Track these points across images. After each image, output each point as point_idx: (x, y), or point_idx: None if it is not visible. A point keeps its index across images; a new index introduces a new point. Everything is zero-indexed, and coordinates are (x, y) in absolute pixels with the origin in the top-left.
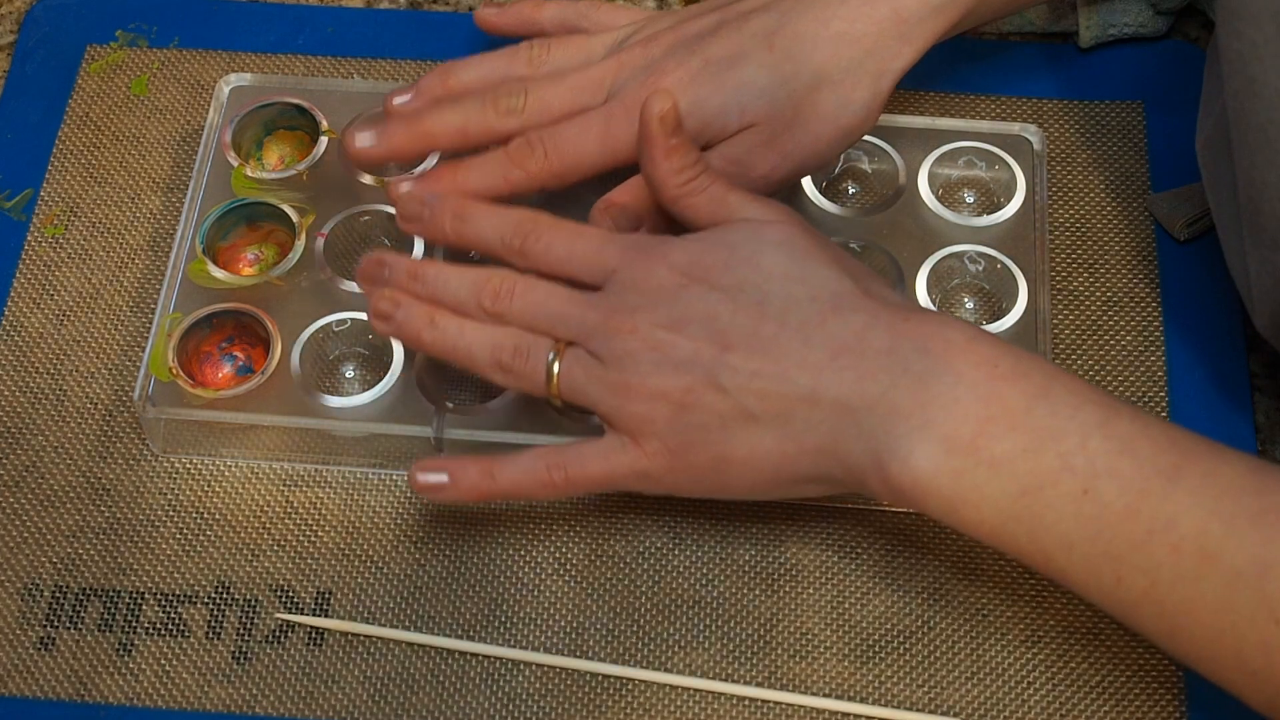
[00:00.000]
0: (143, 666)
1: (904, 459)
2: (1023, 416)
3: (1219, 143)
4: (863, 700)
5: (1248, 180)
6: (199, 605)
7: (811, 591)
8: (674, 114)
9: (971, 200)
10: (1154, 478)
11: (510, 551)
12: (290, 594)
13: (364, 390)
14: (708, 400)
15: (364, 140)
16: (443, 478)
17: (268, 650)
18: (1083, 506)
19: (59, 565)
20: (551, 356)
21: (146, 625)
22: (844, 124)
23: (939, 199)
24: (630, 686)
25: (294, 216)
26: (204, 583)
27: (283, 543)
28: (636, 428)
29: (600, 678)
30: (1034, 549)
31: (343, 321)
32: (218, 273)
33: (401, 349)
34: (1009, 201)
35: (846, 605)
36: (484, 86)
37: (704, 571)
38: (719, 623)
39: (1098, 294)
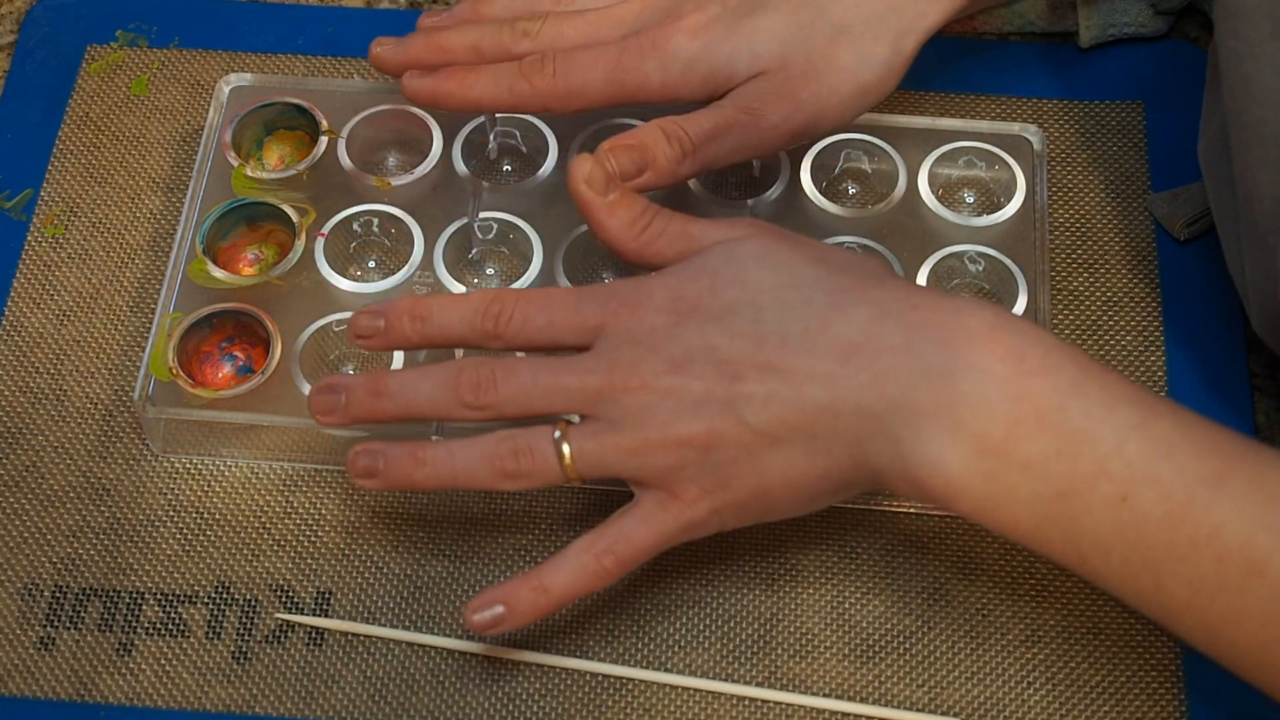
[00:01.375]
0: (143, 666)
1: (934, 463)
2: (1055, 415)
3: (1221, 144)
4: (863, 700)
5: (1242, 179)
6: (199, 605)
7: (811, 591)
8: (600, 172)
9: (971, 200)
10: (1196, 485)
11: (510, 551)
12: (290, 594)
13: None
14: (731, 435)
15: (384, 45)
16: (499, 610)
17: (268, 650)
18: (1121, 513)
19: (59, 565)
20: (558, 437)
21: (146, 625)
22: (862, 79)
23: (939, 199)
24: (630, 686)
25: (294, 216)
26: (204, 583)
27: (283, 543)
28: (669, 480)
29: (600, 678)
30: (1070, 551)
31: (342, 322)
32: (218, 273)
33: (400, 351)
34: (1009, 201)
35: (846, 605)
36: (511, 17)
37: (704, 571)
38: (719, 623)
39: (1098, 294)
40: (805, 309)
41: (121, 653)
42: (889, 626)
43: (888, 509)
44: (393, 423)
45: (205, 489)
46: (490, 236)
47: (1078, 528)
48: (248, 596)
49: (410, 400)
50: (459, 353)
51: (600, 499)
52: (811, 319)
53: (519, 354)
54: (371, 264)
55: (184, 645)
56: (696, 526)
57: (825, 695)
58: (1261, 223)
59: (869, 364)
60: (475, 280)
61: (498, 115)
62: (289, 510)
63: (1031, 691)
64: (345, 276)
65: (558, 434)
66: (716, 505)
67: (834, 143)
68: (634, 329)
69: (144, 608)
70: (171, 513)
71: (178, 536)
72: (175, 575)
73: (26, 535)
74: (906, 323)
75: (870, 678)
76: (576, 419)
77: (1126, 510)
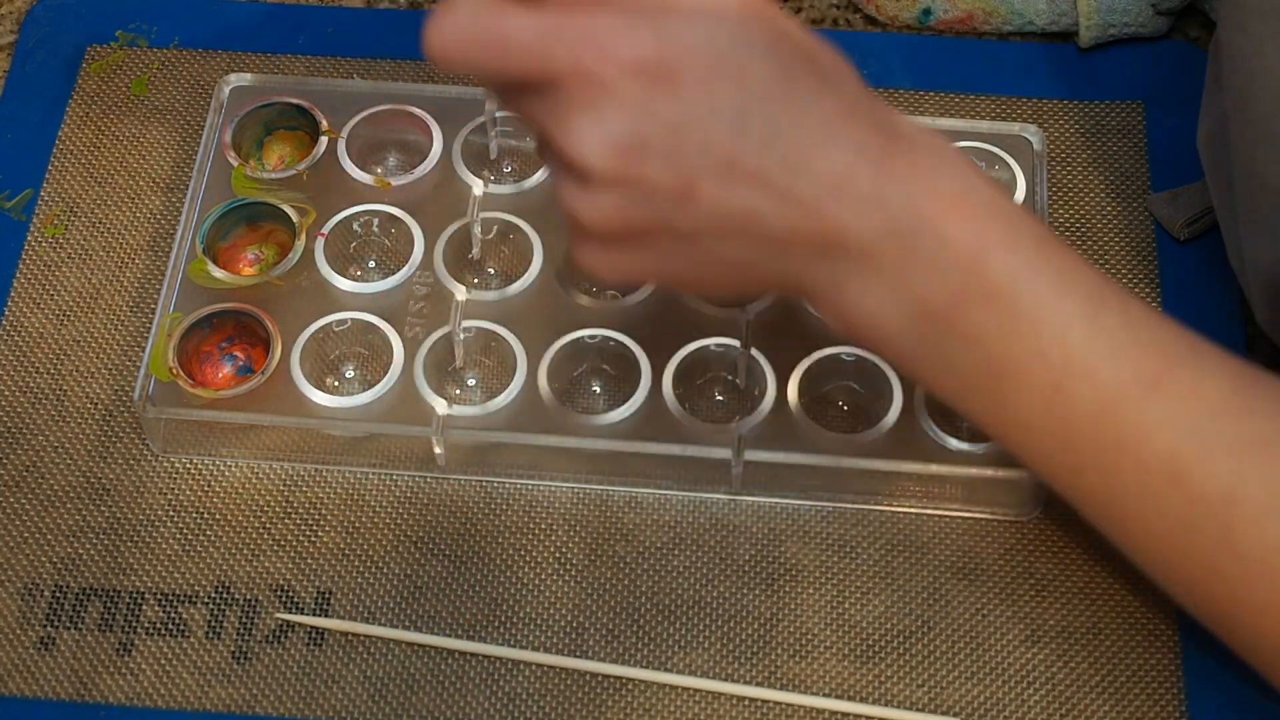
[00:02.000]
0: (143, 666)
1: (871, 314)
2: (1005, 294)
3: (1221, 136)
4: (863, 700)
5: (1248, 173)
6: (199, 605)
7: (811, 591)
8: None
9: None
10: (1132, 385)
11: (510, 551)
12: (290, 594)
13: (364, 390)
14: (677, 227)
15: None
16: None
17: (268, 650)
18: (1051, 400)
19: (59, 565)
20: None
21: (146, 625)
22: None
23: None
24: (630, 686)
25: (294, 216)
26: (204, 583)
27: (283, 543)
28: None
29: (600, 678)
30: (992, 423)
31: (343, 321)
32: (218, 273)
33: (401, 349)
34: None
35: (846, 605)
36: None
37: (704, 571)
38: (719, 623)
39: None
40: (799, 133)
41: (121, 653)
42: (889, 626)
43: (887, 509)
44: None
45: (205, 489)
46: (490, 236)
47: (1004, 405)
48: (248, 596)
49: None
50: (459, 337)
51: (601, 499)
52: (804, 143)
53: None
54: (371, 264)
55: (184, 645)
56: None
57: (825, 695)
58: (1271, 216)
59: (835, 208)
60: (475, 280)
61: (497, 115)
62: (289, 510)
63: (1031, 691)
64: (345, 276)
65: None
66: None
67: None
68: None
69: (144, 608)
70: (171, 513)
71: (178, 536)
72: (175, 575)
73: (26, 535)
74: (883, 172)
75: (870, 678)
76: None
77: (1058, 398)
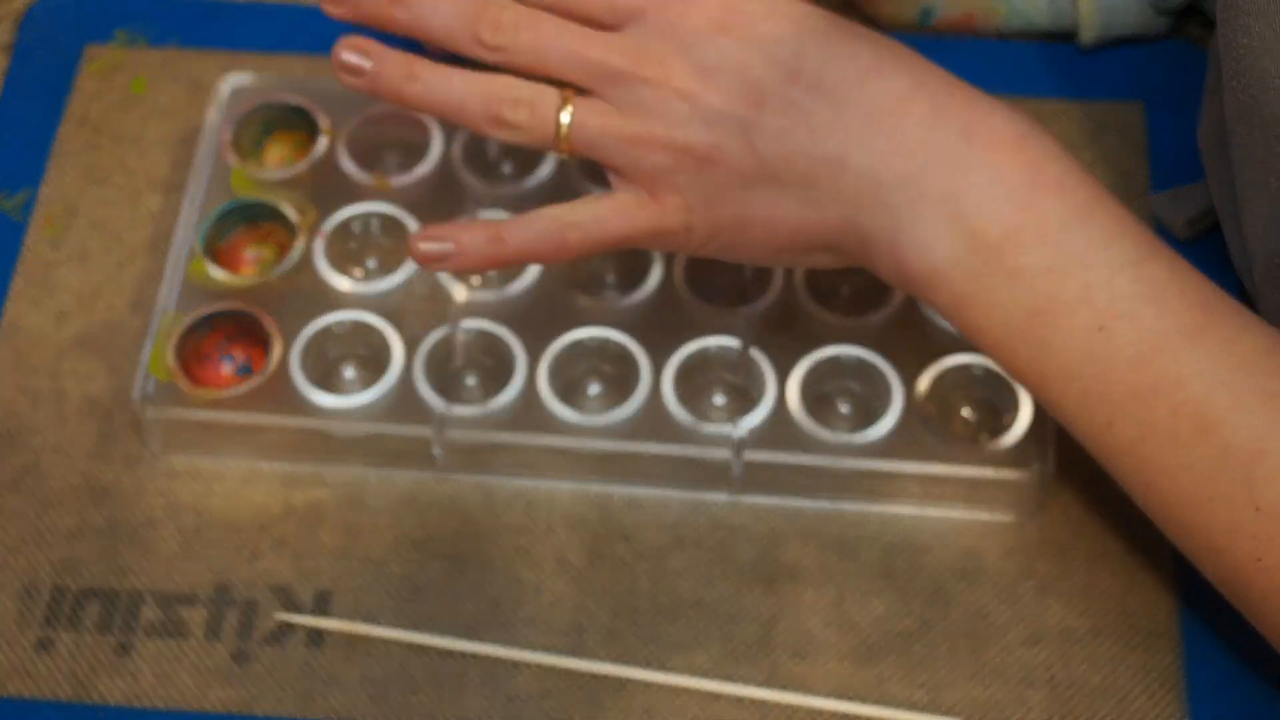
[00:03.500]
0: (142, 667)
1: (923, 245)
2: (1056, 233)
3: (1221, 137)
4: (863, 700)
5: (1260, 174)
6: (199, 605)
7: (811, 591)
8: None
9: None
10: (1173, 333)
11: (510, 551)
12: (290, 594)
13: (364, 390)
14: (734, 159)
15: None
16: (447, 246)
17: (268, 650)
18: (1093, 343)
19: (59, 565)
20: (562, 102)
21: (146, 626)
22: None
23: None
24: (630, 686)
25: (294, 216)
26: (204, 583)
27: (283, 543)
28: (657, 182)
29: (600, 678)
30: (1032, 371)
31: (343, 322)
32: (217, 273)
33: (402, 349)
34: None
35: (846, 605)
36: None
37: (704, 571)
38: (719, 623)
39: None
40: (847, 62)
41: (121, 653)
42: (889, 626)
43: (887, 509)
44: (401, 35)
45: (205, 489)
46: None
47: (1047, 348)
48: (247, 596)
49: (426, 16)
50: (459, 337)
51: (601, 499)
52: (849, 73)
53: None
54: (371, 264)
55: (183, 646)
56: (666, 235)
57: (825, 695)
58: None
59: (890, 132)
60: (475, 280)
61: None
62: (289, 510)
63: (1031, 692)
64: (345, 276)
65: (563, 100)
66: (692, 222)
67: None
68: (676, 23)
69: (143, 608)
70: (171, 513)
71: (177, 537)
72: (174, 576)
73: (26, 535)
74: (939, 105)
75: (870, 678)
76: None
77: (1100, 341)
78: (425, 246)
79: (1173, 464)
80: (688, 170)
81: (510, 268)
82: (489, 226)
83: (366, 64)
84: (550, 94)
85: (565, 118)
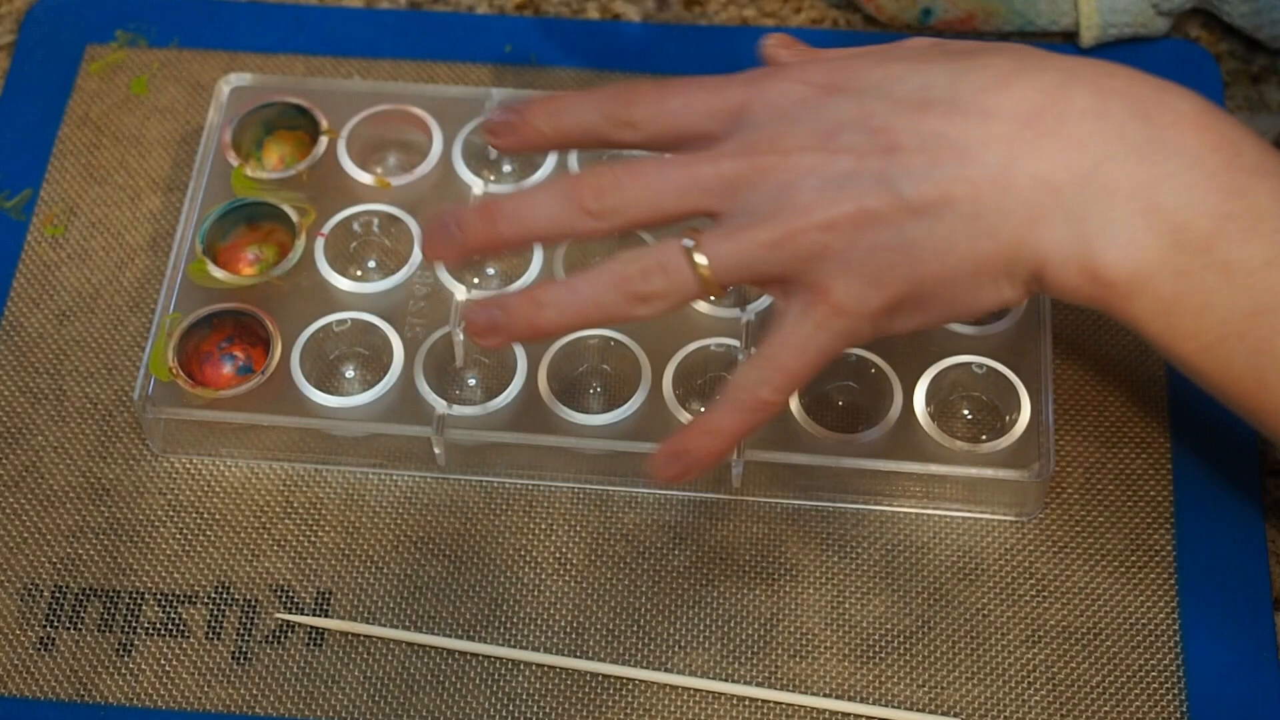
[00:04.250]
0: (142, 666)
1: (1123, 245)
2: (1272, 221)
3: None
4: (863, 700)
5: None
6: (199, 605)
7: (811, 591)
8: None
9: None
10: None
11: (510, 551)
12: (290, 594)
13: (364, 390)
14: (884, 213)
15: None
16: (683, 461)
17: (268, 650)
18: None
19: (59, 565)
20: (689, 246)
21: (146, 625)
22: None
23: None
24: (630, 686)
25: (294, 216)
26: (204, 583)
27: (283, 543)
28: (814, 275)
29: (600, 678)
30: (1249, 376)
31: (343, 321)
32: (218, 273)
33: (402, 349)
34: None
35: (846, 605)
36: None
37: (704, 571)
38: (719, 623)
39: None
40: (982, 72)
41: (121, 653)
42: (889, 626)
43: (887, 509)
44: (510, 249)
45: (205, 489)
46: None
47: (1268, 349)
48: (248, 596)
49: (527, 218)
50: (459, 337)
51: (601, 499)
52: (988, 80)
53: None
54: (371, 264)
55: (184, 645)
56: (848, 334)
57: (825, 695)
58: None
59: (1055, 128)
60: (475, 280)
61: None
62: (289, 510)
63: (1031, 691)
64: (345, 276)
65: (689, 242)
66: (867, 304)
67: None
68: (779, 102)
69: (144, 608)
70: (171, 513)
71: (178, 536)
72: (175, 575)
73: (26, 535)
74: (1102, 88)
75: (870, 678)
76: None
77: None
78: (667, 469)
79: None
80: (841, 248)
81: (517, 269)
82: (697, 426)
83: (499, 317)
84: (672, 245)
85: (700, 259)
